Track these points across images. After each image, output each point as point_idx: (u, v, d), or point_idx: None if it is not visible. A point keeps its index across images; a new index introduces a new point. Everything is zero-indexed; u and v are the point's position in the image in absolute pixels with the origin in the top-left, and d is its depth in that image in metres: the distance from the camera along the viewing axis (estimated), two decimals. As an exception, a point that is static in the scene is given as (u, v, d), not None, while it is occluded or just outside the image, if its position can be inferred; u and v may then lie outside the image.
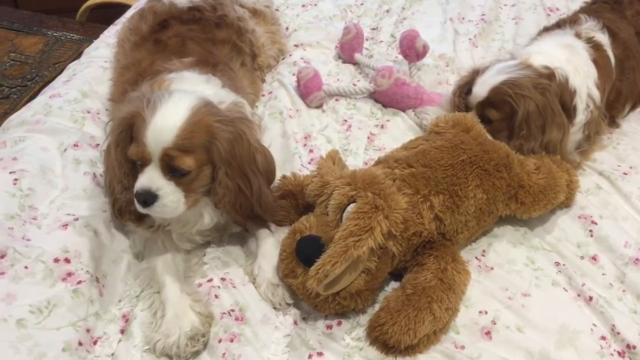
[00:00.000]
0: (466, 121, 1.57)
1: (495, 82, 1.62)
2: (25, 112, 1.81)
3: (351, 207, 1.32)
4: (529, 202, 1.48)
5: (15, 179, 1.51)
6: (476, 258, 1.49)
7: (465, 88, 1.78)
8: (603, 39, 1.85)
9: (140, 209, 1.32)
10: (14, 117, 1.82)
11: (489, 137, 1.57)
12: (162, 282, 1.38)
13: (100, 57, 2.11)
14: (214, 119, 1.33)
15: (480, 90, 1.65)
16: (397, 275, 1.43)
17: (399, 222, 1.33)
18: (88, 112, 1.81)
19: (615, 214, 1.62)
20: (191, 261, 1.48)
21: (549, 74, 1.66)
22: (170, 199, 1.31)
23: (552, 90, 1.63)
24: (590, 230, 1.56)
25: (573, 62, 1.71)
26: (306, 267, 1.31)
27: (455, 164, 1.44)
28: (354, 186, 1.35)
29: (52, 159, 1.63)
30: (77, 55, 2.35)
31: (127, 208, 1.40)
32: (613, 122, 1.93)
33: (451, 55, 2.15)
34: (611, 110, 1.91)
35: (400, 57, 2.04)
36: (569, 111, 1.68)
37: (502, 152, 1.49)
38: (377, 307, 1.36)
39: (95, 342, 1.28)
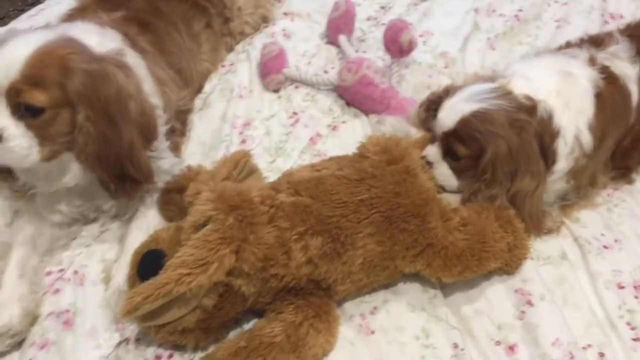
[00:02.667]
0: (397, 150, 1.28)
1: (464, 111, 1.30)
2: None
3: (202, 231, 1.13)
4: (438, 265, 1.20)
5: None
6: (361, 315, 1.25)
7: (435, 104, 1.47)
8: (626, 69, 1.45)
9: None
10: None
11: (421, 175, 1.27)
12: (9, 262, 1.27)
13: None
14: (69, 51, 1.17)
15: (447, 118, 1.34)
16: (261, 313, 1.23)
17: (255, 260, 1.12)
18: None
19: (567, 297, 1.29)
20: (57, 242, 1.36)
21: (530, 107, 1.32)
22: (18, 142, 1.14)
23: (531, 130, 1.30)
24: (522, 312, 1.26)
25: (564, 95, 1.35)
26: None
27: (350, 202, 1.18)
28: (217, 205, 1.14)
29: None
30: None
31: None
32: (625, 176, 1.55)
33: (455, 55, 1.81)
34: (625, 161, 1.52)
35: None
36: (547, 155, 1.34)
37: (419, 198, 1.21)
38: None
39: None
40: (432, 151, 1.37)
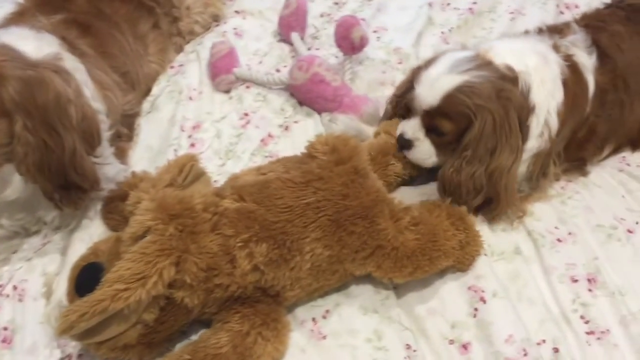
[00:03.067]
0: (346, 150, 1.25)
1: (447, 85, 1.26)
2: None
3: (139, 243, 1.08)
4: (388, 266, 1.18)
5: None
6: (313, 320, 1.22)
7: (404, 96, 1.43)
8: (585, 60, 1.43)
9: None
10: None
11: (370, 175, 1.24)
12: (-56, 280, 1.21)
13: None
14: (2, 59, 1.12)
15: (429, 95, 1.28)
16: (209, 324, 1.19)
17: (197, 270, 1.08)
18: None
19: (521, 292, 1.28)
20: (-5, 256, 1.30)
21: (513, 78, 1.29)
22: None
23: (516, 101, 1.27)
24: (476, 309, 1.24)
25: (540, 73, 1.33)
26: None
27: (295, 206, 1.15)
28: (156, 214, 1.10)
29: None
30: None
31: None
32: (580, 168, 1.54)
33: (408, 51, 1.78)
34: (580, 152, 1.51)
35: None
36: (522, 131, 1.31)
37: (368, 200, 1.18)
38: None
39: None
40: (413, 128, 1.33)
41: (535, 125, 1.33)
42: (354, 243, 1.16)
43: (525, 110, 1.30)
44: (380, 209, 1.19)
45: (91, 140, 1.26)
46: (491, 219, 1.38)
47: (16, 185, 1.22)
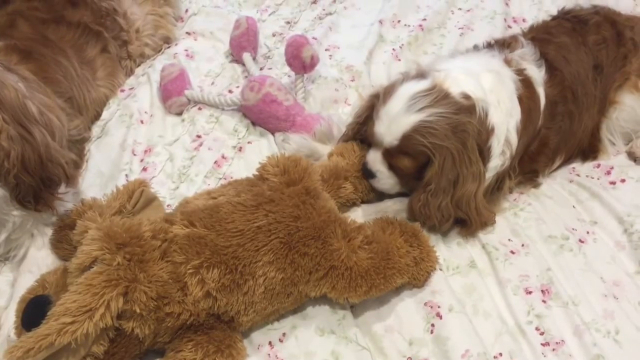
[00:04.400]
0: (296, 171, 1.25)
1: (406, 127, 1.28)
2: None
3: (85, 274, 1.05)
4: (342, 287, 1.17)
5: None
6: (269, 344, 1.21)
7: (363, 122, 1.44)
8: (535, 73, 1.46)
9: None
10: None
11: (322, 195, 1.25)
12: None
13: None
14: None
15: (388, 134, 1.30)
16: (163, 352, 1.16)
17: (147, 299, 1.06)
18: None
19: (477, 306, 1.29)
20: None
21: (469, 107, 1.30)
22: None
23: (473, 131, 1.29)
24: (432, 325, 1.25)
25: (496, 94, 1.35)
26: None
27: (246, 230, 1.14)
28: (103, 244, 1.08)
29: None
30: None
31: None
32: (532, 180, 1.56)
33: (360, 69, 1.80)
34: (532, 164, 1.53)
35: (288, 65, 1.71)
36: (483, 153, 1.33)
37: (318, 220, 1.18)
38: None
39: None
40: (375, 161, 1.36)
41: (496, 144, 1.35)
42: (307, 265, 1.16)
43: (484, 134, 1.32)
44: (332, 229, 1.19)
45: (57, 132, 1.30)
46: (466, 237, 1.40)
47: None
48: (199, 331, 1.12)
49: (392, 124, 1.30)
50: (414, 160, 1.32)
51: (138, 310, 1.05)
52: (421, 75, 1.37)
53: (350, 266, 1.17)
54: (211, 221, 1.14)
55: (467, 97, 1.31)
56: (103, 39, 1.68)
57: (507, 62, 1.45)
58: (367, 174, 1.39)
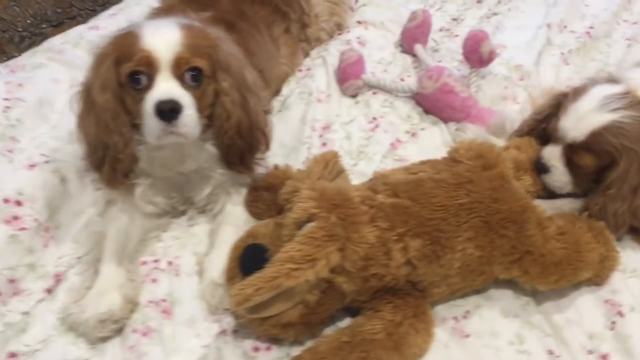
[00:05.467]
0: (491, 156, 1.29)
1: (597, 124, 1.29)
2: (58, 39, 1.79)
3: (306, 227, 1.14)
4: (535, 272, 1.21)
5: (7, 107, 1.48)
6: (454, 318, 1.25)
7: (544, 121, 1.46)
8: None
9: (161, 127, 1.16)
10: (48, 41, 1.80)
11: (513, 182, 1.28)
12: (105, 251, 1.29)
13: (153, -5, 2.02)
14: (206, 29, 1.27)
15: (575, 129, 1.32)
16: (355, 311, 1.24)
17: (357, 259, 1.13)
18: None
19: (657, 310, 1.29)
20: (149, 234, 1.38)
21: None
22: (192, 111, 1.19)
23: None
24: (613, 322, 1.25)
25: None
26: (244, 279, 1.16)
27: (449, 206, 1.19)
28: (319, 203, 1.16)
29: (57, 92, 1.58)
30: (138, -11, 2.28)
31: (131, 167, 1.27)
32: None
33: (530, 69, 1.82)
34: None
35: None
36: None
37: (517, 205, 1.22)
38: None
39: (15, 295, 1.23)
40: (552, 155, 1.37)
41: None
42: (504, 246, 1.20)
43: None
44: (528, 216, 1.22)
45: (260, 104, 1.37)
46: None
47: (196, 156, 1.32)
48: (396, 295, 1.18)
49: (582, 120, 1.31)
50: (596, 159, 1.32)
51: (348, 267, 1.13)
52: (613, 80, 1.39)
53: (545, 253, 1.20)
54: (416, 194, 1.20)
55: None
56: (287, 20, 1.78)
57: None
58: (540, 168, 1.40)
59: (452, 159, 1.33)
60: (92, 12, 2.29)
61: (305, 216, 1.16)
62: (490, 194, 1.22)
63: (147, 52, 1.16)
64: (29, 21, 2.23)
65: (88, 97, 1.25)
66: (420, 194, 1.20)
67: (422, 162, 1.35)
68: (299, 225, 1.16)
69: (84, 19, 2.24)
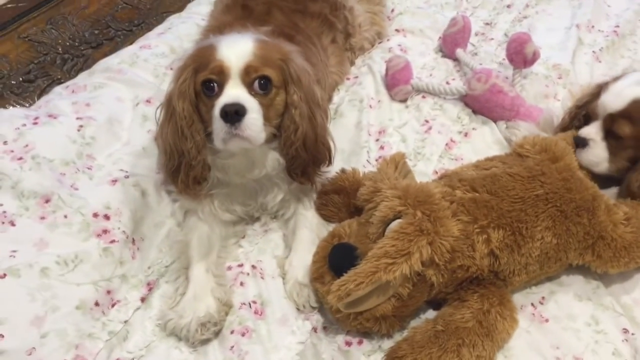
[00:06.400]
0: (557, 149, 1.37)
1: (637, 93, 1.38)
2: (113, 59, 1.84)
3: (395, 224, 1.20)
4: (608, 256, 1.27)
5: (81, 126, 1.53)
6: (532, 305, 1.32)
7: (583, 108, 1.54)
8: None
9: (226, 129, 1.20)
10: (102, 62, 1.86)
11: (579, 173, 1.36)
12: (191, 258, 1.35)
13: (198, 14, 2.10)
14: (279, 44, 1.34)
15: (615, 100, 1.40)
16: (436, 304, 1.30)
17: (444, 251, 1.19)
18: (171, 69, 1.79)
19: None
20: (228, 241, 1.44)
21: None
22: (256, 116, 1.23)
23: None
24: (678, 301, 1.33)
25: None
26: (335, 276, 1.21)
27: (527, 197, 1.26)
28: (403, 201, 1.22)
29: (123, 110, 1.64)
30: (182, 7, 2.35)
31: (203, 174, 1.32)
32: None
33: (567, 67, 1.90)
34: None
35: (507, 60, 1.83)
36: None
37: (587, 194, 1.29)
38: (405, 333, 1.24)
39: (113, 305, 1.28)
40: (592, 130, 1.43)
41: None
42: (579, 233, 1.26)
43: None
44: (598, 203, 1.29)
45: (327, 120, 1.42)
46: None
47: (264, 163, 1.36)
48: (480, 285, 1.25)
49: (622, 91, 1.40)
50: (636, 127, 1.37)
51: (437, 260, 1.19)
52: None
53: (615, 238, 1.27)
54: (494, 188, 1.27)
55: None
56: (334, 30, 1.85)
57: None
58: (578, 142, 1.44)
59: (518, 154, 1.40)
60: (129, 32, 2.35)
61: (392, 214, 1.22)
62: (563, 185, 1.28)
63: (220, 62, 1.24)
64: (68, 43, 2.28)
65: (169, 106, 1.32)
66: (498, 187, 1.27)
67: (490, 159, 1.42)
68: (386, 223, 1.23)
69: (121, 40, 2.30)
